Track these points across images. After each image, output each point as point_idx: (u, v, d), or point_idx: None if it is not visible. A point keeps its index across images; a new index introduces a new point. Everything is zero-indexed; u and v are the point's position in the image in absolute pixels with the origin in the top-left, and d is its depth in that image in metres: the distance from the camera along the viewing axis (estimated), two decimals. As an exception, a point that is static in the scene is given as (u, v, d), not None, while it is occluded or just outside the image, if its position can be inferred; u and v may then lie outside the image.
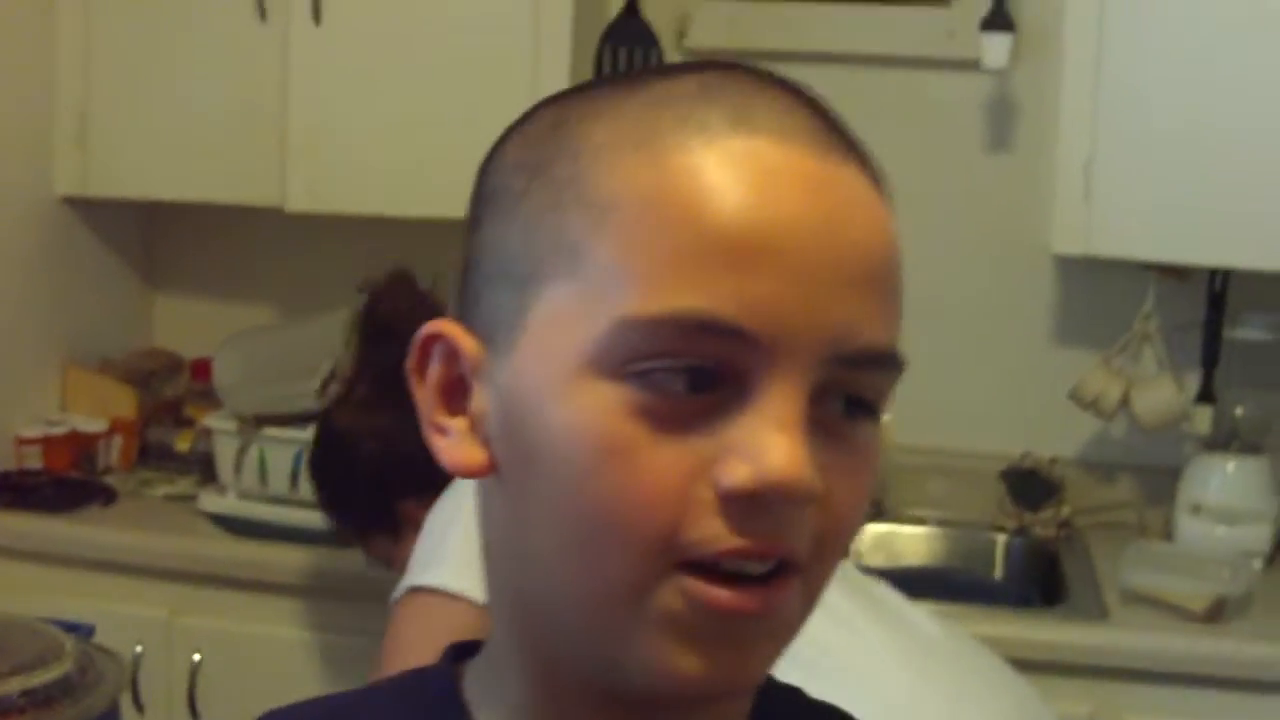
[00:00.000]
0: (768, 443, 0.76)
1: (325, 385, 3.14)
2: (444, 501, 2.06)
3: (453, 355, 0.87)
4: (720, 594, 0.78)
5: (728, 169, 0.78)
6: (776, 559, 0.78)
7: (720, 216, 0.77)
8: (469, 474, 0.86)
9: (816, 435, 0.79)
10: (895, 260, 0.83)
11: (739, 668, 0.81)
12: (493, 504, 0.87)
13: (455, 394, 0.87)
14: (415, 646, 1.80)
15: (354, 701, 1.01)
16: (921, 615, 2.17)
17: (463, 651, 0.98)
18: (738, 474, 0.77)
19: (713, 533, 0.77)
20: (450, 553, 1.92)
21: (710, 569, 0.78)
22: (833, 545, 0.82)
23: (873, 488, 0.85)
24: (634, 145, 0.80)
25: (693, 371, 0.77)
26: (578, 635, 0.82)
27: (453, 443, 0.86)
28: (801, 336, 0.78)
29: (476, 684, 0.94)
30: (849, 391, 0.81)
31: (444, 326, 0.87)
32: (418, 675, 0.99)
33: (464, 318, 0.88)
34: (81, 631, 1.69)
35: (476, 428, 0.85)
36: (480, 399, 0.85)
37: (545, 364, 0.80)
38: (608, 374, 0.78)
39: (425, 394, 0.88)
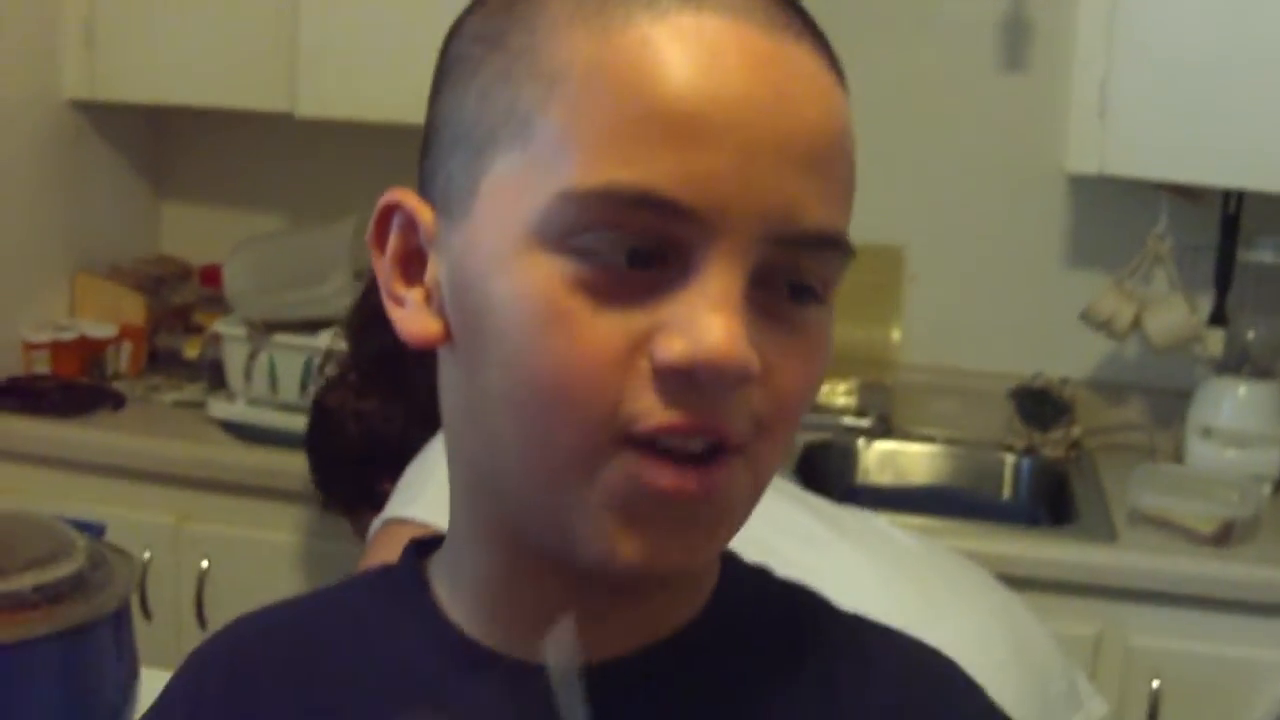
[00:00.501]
0: (704, 320, 0.76)
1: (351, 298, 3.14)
2: (433, 442, 2.06)
3: (410, 225, 0.88)
4: (660, 472, 0.78)
5: (673, 44, 0.78)
6: (715, 437, 0.79)
7: (662, 90, 0.77)
8: (424, 344, 0.86)
9: (760, 317, 0.79)
10: (844, 143, 0.82)
11: (682, 550, 0.81)
12: (449, 375, 0.88)
13: (412, 264, 0.88)
14: None
15: (323, 600, 1.03)
16: (896, 530, 2.18)
17: (425, 548, 0.99)
18: (672, 349, 0.77)
19: (648, 406, 0.77)
20: (430, 489, 1.92)
21: (652, 447, 0.78)
22: (776, 426, 0.82)
23: (821, 372, 0.84)
24: (584, 18, 0.80)
25: (632, 247, 0.77)
26: (531, 507, 0.83)
27: (409, 314, 0.87)
28: (741, 213, 0.77)
29: (440, 567, 0.95)
30: (793, 276, 0.81)
31: (401, 196, 0.88)
32: (383, 570, 1.01)
33: (423, 190, 0.88)
34: (92, 530, 1.69)
35: (432, 298, 0.86)
36: (434, 268, 0.86)
37: (492, 234, 0.81)
38: (550, 246, 0.78)
39: (383, 265, 0.89)
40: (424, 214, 0.86)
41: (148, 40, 3.41)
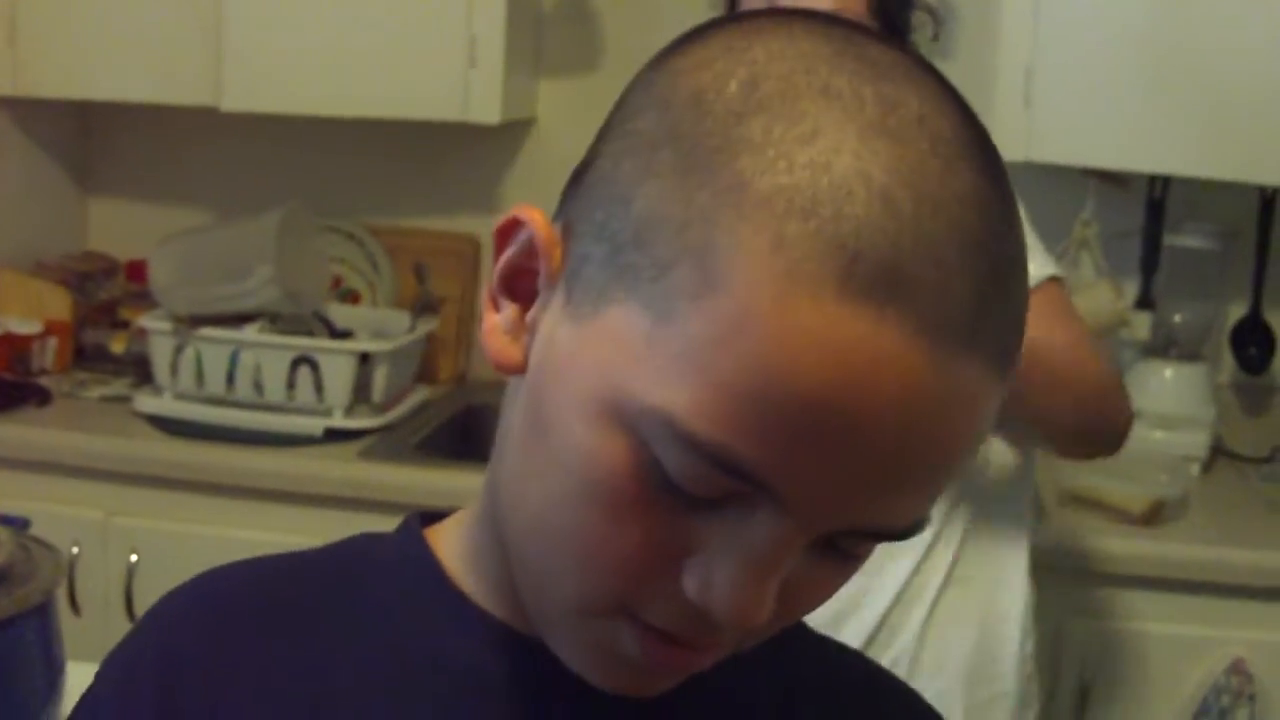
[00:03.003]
0: (736, 578, 0.76)
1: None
2: None
3: (531, 251, 0.83)
4: (654, 649, 0.81)
5: (829, 348, 0.71)
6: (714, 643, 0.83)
7: (798, 388, 0.71)
8: (499, 363, 0.84)
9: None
10: (969, 450, 0.77)
11: (656, 689, 0.85)
12: (514, 402, 0.85)
13: (521, 281, 0.84)
14: None
15: (311, 562, 1.02)
16: None
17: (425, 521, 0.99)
18: (697, 589, 0.77)
19: (663, 608, 0.79)
20: None
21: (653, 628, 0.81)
22: (778, 627, 0.83)
23: (839, 586, 0.84)
24: (772, 244, 0.72)
25: (708, 496, 0.76)
26: (525, 588, 0.85)
27: (498, 327, 0.84)
28: (824, 514, 0.75)
29: (455, 546, 0.95)
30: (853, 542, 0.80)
31: (537, 224, 0.82)
32: (374, 537, 1.00)
33: (562, 212, 0.84)
34: (16, 524, 1.68)
35: (525, 329, 0.84)
36: (540, 311, 0.83)
37: (592, 372, 0.77)
38: (637, 433, 0.75)
39: (495, 265, 0.85)
40: (553, 254, 0.81)
41: (71, 36, 3.39)
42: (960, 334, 0.73)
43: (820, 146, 0.73)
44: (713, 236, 0.73)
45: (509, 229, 0.84)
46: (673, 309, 0.74)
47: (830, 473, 0.73)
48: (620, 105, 0.83)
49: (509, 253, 0.84)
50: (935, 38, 1.85)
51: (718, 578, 0.76)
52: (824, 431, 0.72)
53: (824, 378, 0.71)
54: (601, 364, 0.77)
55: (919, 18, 1.86)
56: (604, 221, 0.78)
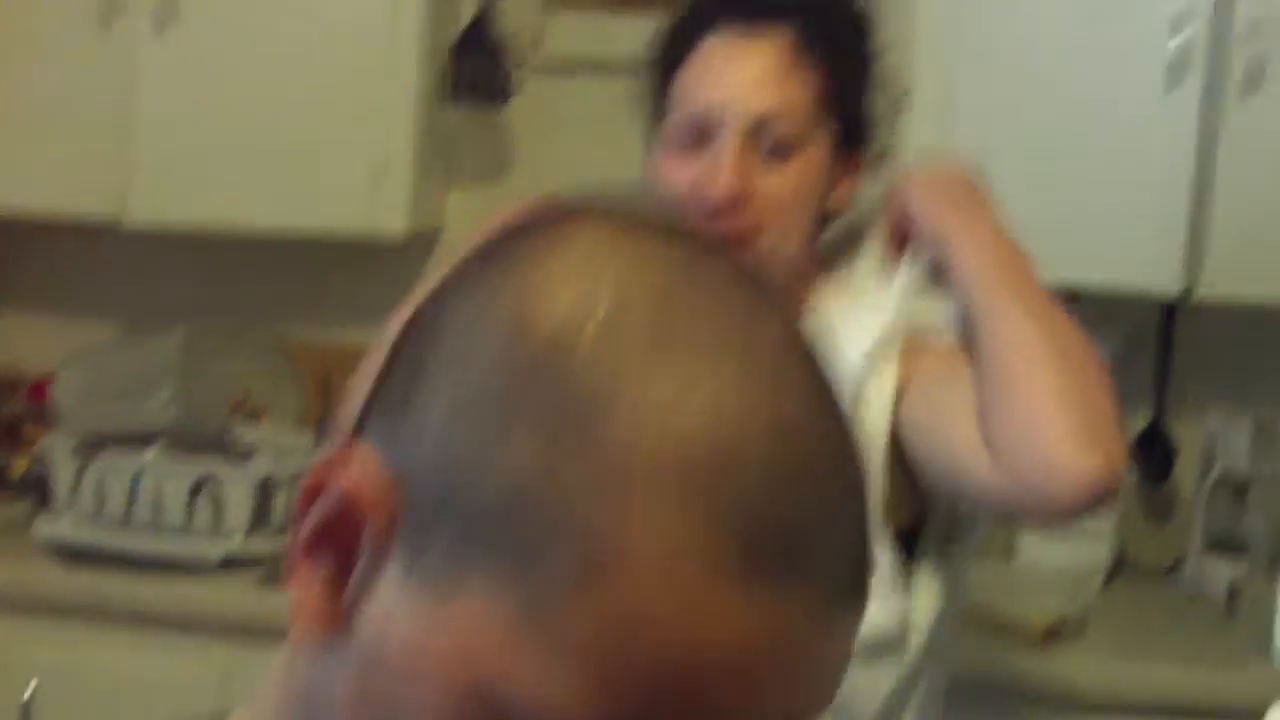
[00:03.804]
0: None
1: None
2: None
3: (351, 508, 0.72)
4: None
5: (730, 633, 0.68)
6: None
7: (698, 681, 0.68)
8: (316, 635, 0.74)
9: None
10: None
11: None
12: (328, 670, 0.75)
13: (334, 540, 0.73)
14: None
15: None
16: None
17: None
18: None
19: None
20: None
21: None
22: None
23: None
24: (660, 522, 0.67)
25: None
26: None
27: (312, 603, 0.74)
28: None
29: None
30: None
31: (362, 477, 0.72)
32: None
33: (392, 457, 0.73)
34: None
35: (345, 593, 0.73)
36: (366, 578, 0.72)
37: (446, 660, 0.70)
38: None
39: (299, 530, 0.74)
40: (382, 514, 0.71)
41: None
42: (849, 587, 0.72)
43: (697, 405, 0.69)
44: (590, 514, 0.67)
45: (319, 486, 0.73)
46: (548, 597, 0.67)
47: None
48: (440, 325, 0.75)
49: (320, 509, 0.73)
50: (893, 130, 1.94)
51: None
52: (720, 712, 0.68)
53: (725, 663, 0.67)
54: (462, 655, 0.69)
55: (881, 104, 1.93)
56: (452, 485, 0.70)
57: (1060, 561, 3.21)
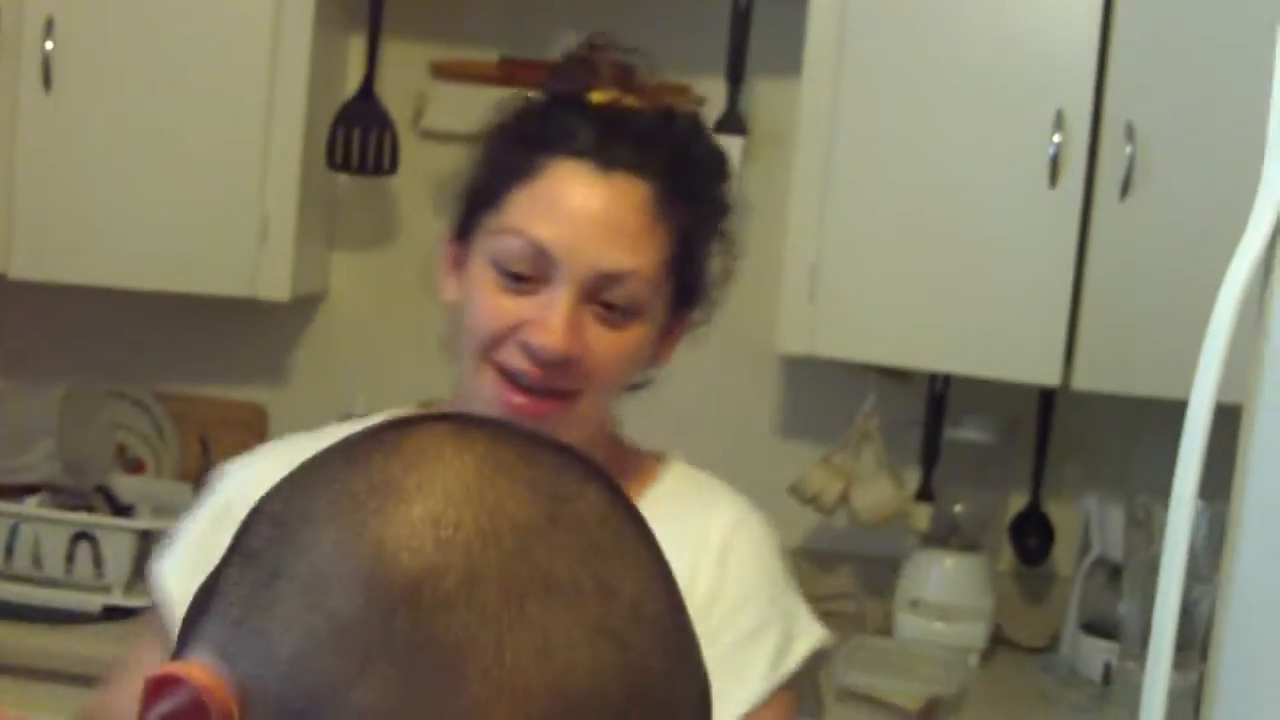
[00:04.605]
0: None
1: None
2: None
3: (196, 713, 0.74)
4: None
5: None
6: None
7: None
8: None
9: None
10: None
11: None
12: None
13: None
14: None
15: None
16: None
17: None
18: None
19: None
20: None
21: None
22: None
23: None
24: None
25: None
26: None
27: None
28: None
29: None
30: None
31: (207, 689, 0.74)
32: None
33: (233, 665, 0.75)
34: None
35: None
36: None
37: None
38: None
39: None
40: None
41: None
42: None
43: (552, 664, 0.70)
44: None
45: (164, 684, 0.75)
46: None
47: None
48: (294, 534, 0.76)
49: (163, 708, 0.74)
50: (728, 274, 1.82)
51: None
52: None
53: None
54: None
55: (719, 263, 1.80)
56: (300, 713, 0.71)
57: (937, 639, 3.24)
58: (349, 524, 0.73)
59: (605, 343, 1.57)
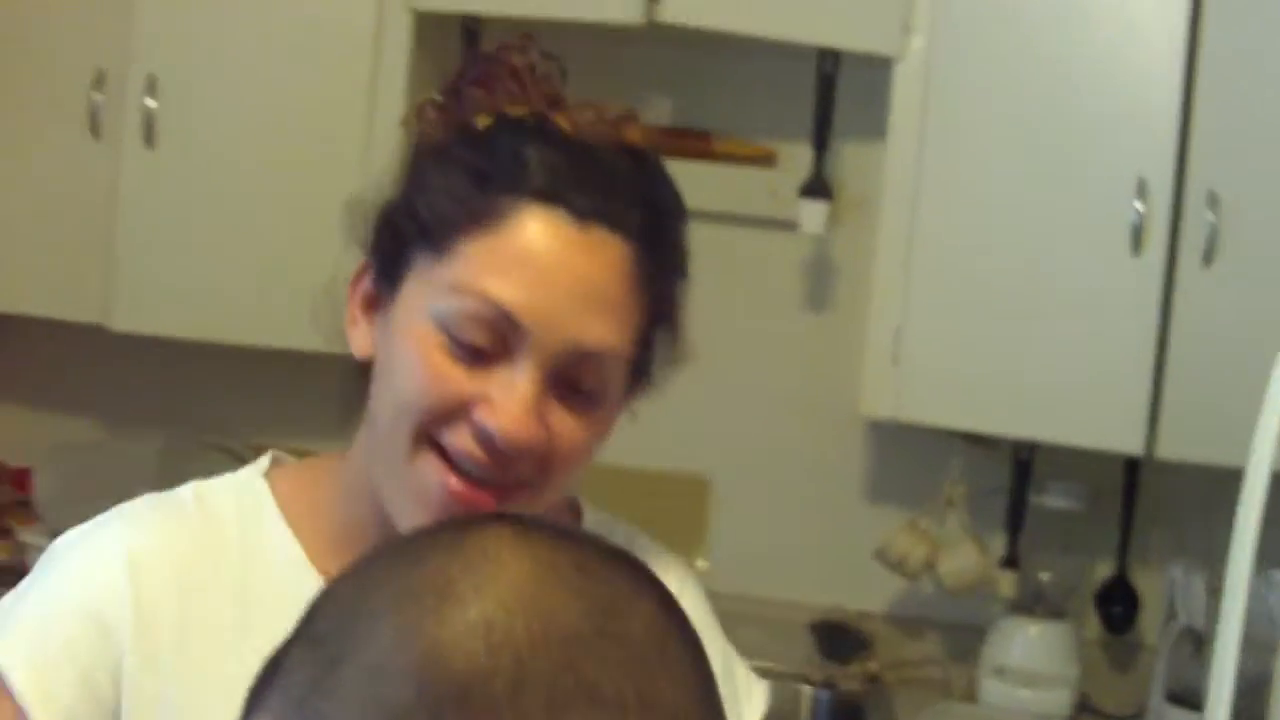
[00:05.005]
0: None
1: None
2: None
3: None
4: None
5: None
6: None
7: None
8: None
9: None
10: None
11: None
12: None
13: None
14: None
15: None
16: None
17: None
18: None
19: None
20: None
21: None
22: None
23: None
24: None
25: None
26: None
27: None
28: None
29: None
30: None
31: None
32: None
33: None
34: None
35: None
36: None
37: None
38: None
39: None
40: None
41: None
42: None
43: None
44: None
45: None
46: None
47: None
48: (357, 623, 0.79)
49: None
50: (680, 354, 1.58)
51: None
52: None
53: None
54: None
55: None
56: None
57: (1022, 707, 3.23)
58: (408, 621, 0.76)
59: (569, 429, 1.31)
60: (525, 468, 1.29)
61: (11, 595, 1.40)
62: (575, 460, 1.32)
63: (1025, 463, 3.38)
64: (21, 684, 1.30)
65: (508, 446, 1.26)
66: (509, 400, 1.27)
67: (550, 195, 1.30)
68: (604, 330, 1.29)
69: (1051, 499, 3.35)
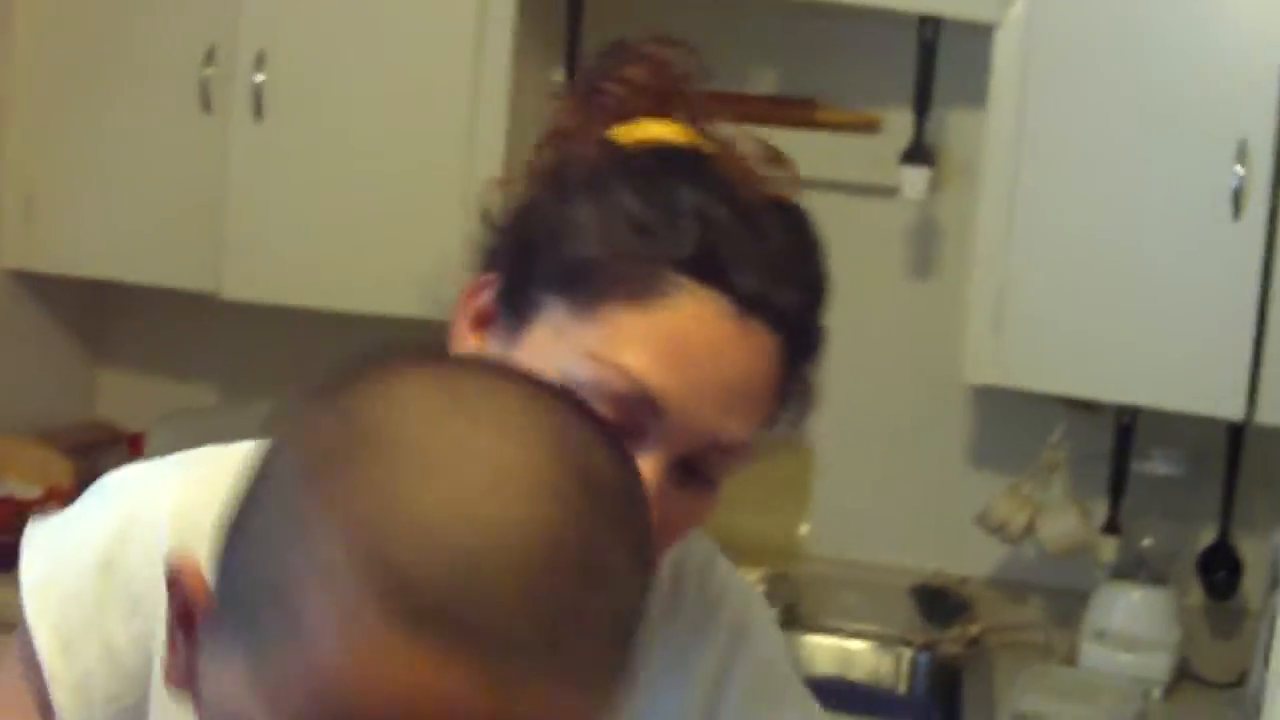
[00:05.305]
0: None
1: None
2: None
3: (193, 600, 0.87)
4: None
5: (393, 690, 0.76)
6: None
7: None
8: (175, 686, 0.89)
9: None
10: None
11: None
12: None
13: (191, 621, 0.89)
14: None
15: None
16: None
17: None
18: None
19: None
20: None
21: None
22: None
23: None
24: (336, 586, 0.77)
25: None
26: None
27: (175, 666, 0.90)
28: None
29: None
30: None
31: (189, 582, 0.87)
32: None
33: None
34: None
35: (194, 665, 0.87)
36: (199, 654, 0.86)
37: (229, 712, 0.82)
38: None
39: (172, 609, 0.90)
40: (198, 612, 0.86)
41: (83, 218, 3.51)
42: (525, 665, 0.75)
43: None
44: (285, 577, 0.77)
45: (175, 578, 0.87)
46: (265, 657, 0.78)
47: None
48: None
49: (178, 599, 0.87)
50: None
51: None
52: None
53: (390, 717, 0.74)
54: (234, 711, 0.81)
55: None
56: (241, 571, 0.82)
57: (1121, 671, 3.23)
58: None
59: (680, 511, 1.22)
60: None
61: (60, 521, 1.35)
62: (681, 538, 1.27)
63: (1127, 428, 3.38)
64: (45, 649, 1.26)
65: None
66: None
67: (713, 273, 1.18)
68: (742, 424, 1.21)
69: (1154, 464, 3.35)
